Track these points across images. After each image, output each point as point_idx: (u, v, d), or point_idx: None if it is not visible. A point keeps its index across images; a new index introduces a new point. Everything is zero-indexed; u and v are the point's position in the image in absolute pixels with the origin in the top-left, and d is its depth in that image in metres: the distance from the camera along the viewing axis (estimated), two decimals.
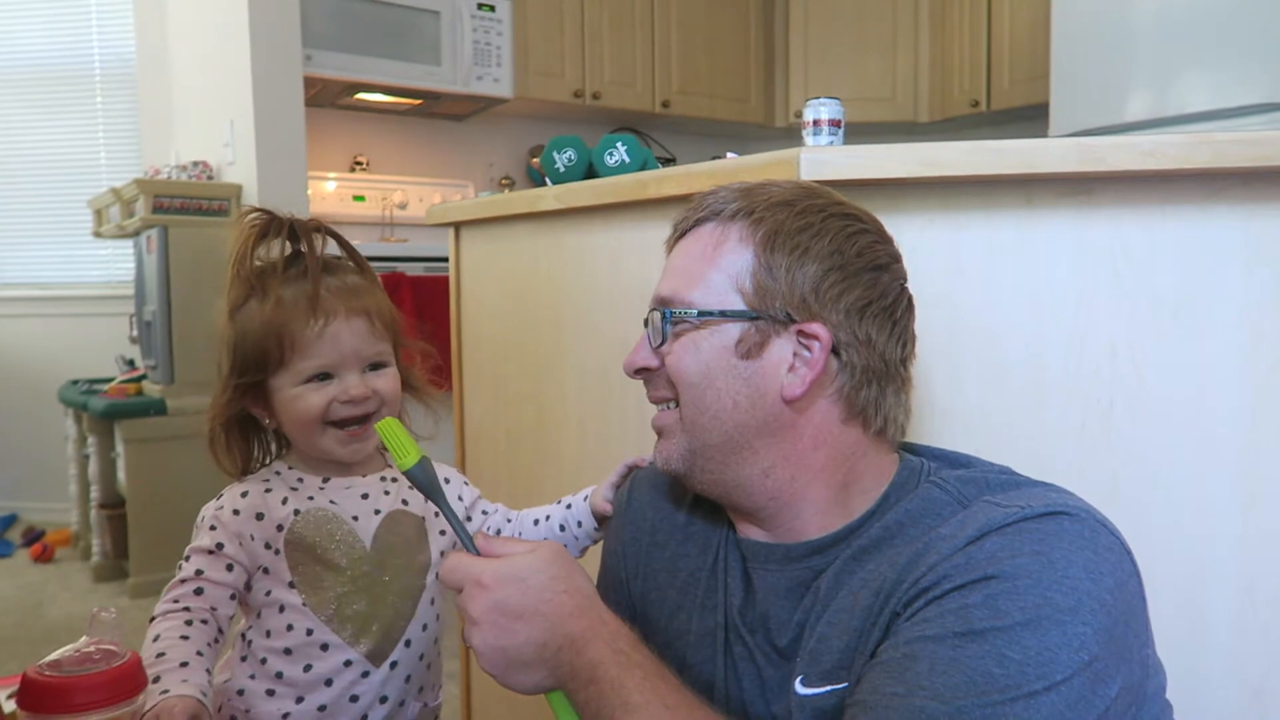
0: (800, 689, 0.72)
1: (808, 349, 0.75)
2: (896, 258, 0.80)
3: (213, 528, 0.91)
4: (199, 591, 0.88)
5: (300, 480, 0.96)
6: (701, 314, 0.77)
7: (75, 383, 3.32)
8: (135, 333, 3.25)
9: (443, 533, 1.02)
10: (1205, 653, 0.93)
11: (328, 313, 0.92)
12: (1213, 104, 2.42)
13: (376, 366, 0.96)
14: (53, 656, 0.66)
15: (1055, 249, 0.96)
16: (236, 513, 0.92)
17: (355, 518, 0.96)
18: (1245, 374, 0.92)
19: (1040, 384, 0.97)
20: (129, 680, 0.66)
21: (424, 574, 0.99)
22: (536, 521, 1.09)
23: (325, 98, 3.36)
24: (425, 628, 0.98)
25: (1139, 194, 0.94)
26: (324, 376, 0.92)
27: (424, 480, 0.82)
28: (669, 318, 0.79)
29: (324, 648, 0.92)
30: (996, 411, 0.98)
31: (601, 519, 1.04)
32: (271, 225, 0.95)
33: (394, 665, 0.95)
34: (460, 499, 1.07)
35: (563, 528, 1.07)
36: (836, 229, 0.77)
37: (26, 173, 3.86)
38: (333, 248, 0.99)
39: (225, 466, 0.97)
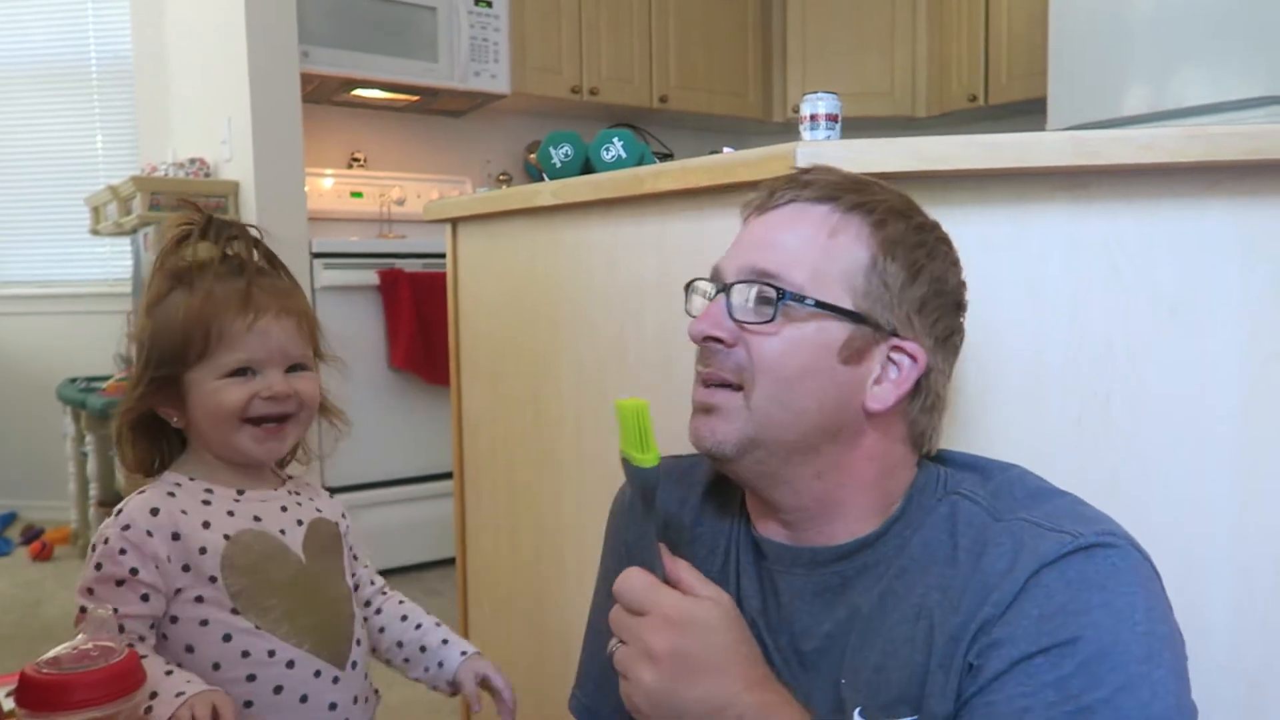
0: None
1: (896, 365, 0.74)
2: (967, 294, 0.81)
3: (123, 550, 0.86)
4: (120, 629, 0.83)
5: (210, 492, 0.93)
6: (820, 304, 0.72)
7: (73, 380, 3.31)
8: (132, 330, 3.25)
9: (356, 557, 1.03)
10: (1203, 646, 0.93)
11: (259, 308, 0.91)
12: (1210, 98, 2.42)
13: (298, 368, 0.95)
14: (51, 654, 0.66)
15: (1051, 244, 0.96)
16: (150, 534, 0.86)
17: (283, 531, 0.95)
18: (1243, 368, 0.92)
19: (1037, 379, 0.97)
20: (127, 677, 0.66)
21: (345, 577, 1.00)
22: (405, 618, 1.07)
23: (322, 94, 3.35)
24: (364, 622, 1.00)
25: (1135, 188, 0.94)
26: (245, 372, 0.91)
27: (653, 485, 0.73)
28: (785, 296, 0.72)
29: (290, 664, 0.90)
30: (993, 407, 0.98)
31: (455, 686, 1.03)
32: (206, 226, 0.95)
33: (354, 665, 0.96)
34: (344, 518, 1.04)
35: (423, 649, 1.05)
36: (943, 254, 0.77)
37: (24, 170, 3.85)
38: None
39: (131, 468, 0.96)
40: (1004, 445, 0.94)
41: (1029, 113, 3.36)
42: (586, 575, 1.05)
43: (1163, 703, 0.63)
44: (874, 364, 0.74)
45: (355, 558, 1.05)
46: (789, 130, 4.21)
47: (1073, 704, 0.62)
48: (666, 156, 4.13)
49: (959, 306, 0.79)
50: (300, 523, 0.97)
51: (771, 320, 0.73)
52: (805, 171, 0.79)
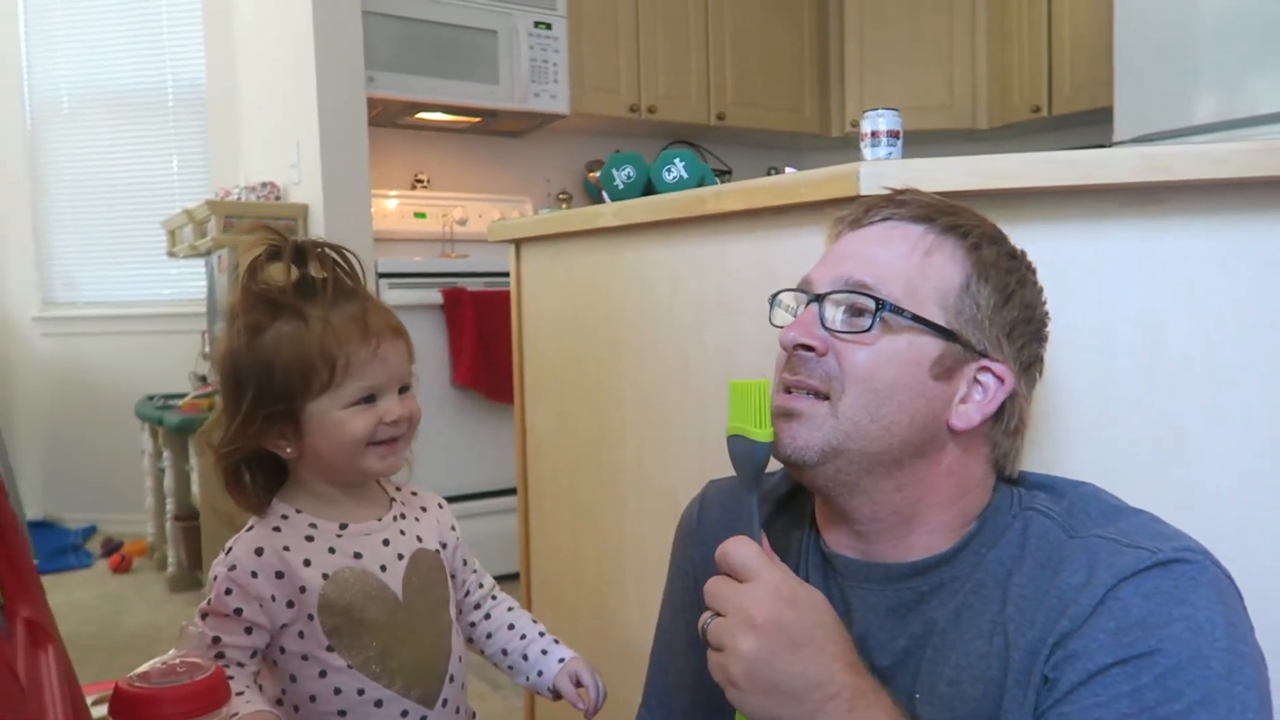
0: None
1: (982, 386, 0.75)
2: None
3: (229, 591, 0.88)
4: (219, 656, 0.86)
5: (314, 527, 0.92)
6: (916, 318, 0.73)
7: (151, 398, 3.42)
8: (208, 349, 3.35)
9: (453, 576, 1.02)
10: None
11: (378, 334, 0.90)
12: None
13: (405, 388, 0.95)
14: (141, 669, 0.68)
15: (1122, 261, 0.94)
16: (255, 574, 0.88)
17: (383, 567, 0.93)
18: None
19: (1110, 400, 0.95)
20: (212, 693, 0.68)
21: (447, 607, 0.99)
22: (512, 626, 1.07)
23: (387, 117, 3.43)
24: (460, 659, 0.99)
25: (1210, 203, 0.92)
26: (368, 399, 0.90)
27: (762, 462, 0.73)
28: (885, 307, 0.73)
29: (378, 704, 0.91)
30: (1064, 428, 0.96)
31: (556, 693, 1.04)
32: (284, 247, 0.92)
33: (445, 703, 0.96)
34: (444, 546, 1.03)
35: (525, 658, 1.05)
36: (1031, 282, 0.79)
37: (104, 195, 4.00)
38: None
39: (245, 506, 0.93)
40: (1075, 466, 0.92)
41: (1094, 123, 3.30)
42: (648, 594, 1.05)
43: (1241, 718, 0.62)
44: (961, 383, 0.75)
45: (465, 563, 1.06)
46: (847, 145, 4.19)
47: (1148, 715, 0.62)
48: (724, 173, 4.14)
49: (1042, 337, 0.80)
50: (401, 557, 0.95)
51: (868, 330, 0.73)
52: (900, 192, 0.80)
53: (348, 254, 0.96)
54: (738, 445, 0.75)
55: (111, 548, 3.57)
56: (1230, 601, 0.66)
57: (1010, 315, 0.76)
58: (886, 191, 0.82)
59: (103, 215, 4.01)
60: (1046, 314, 0.80)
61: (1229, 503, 0.92)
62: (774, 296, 0.85)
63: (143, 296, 4.00)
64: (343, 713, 0.90)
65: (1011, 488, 0.79)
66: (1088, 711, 0.64)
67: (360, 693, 0.90)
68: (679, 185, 1.47)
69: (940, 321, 0.74)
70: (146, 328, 3.91)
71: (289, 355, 0.88)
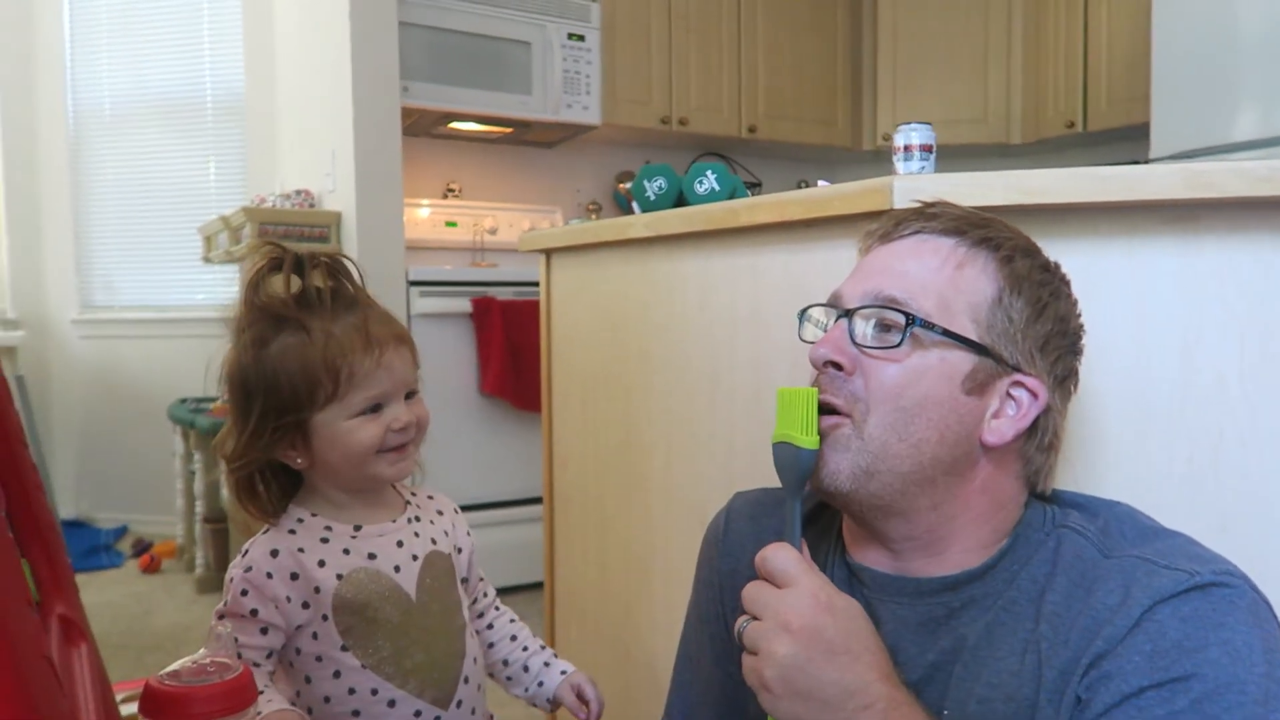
0: None
1: (1015, 400, 0.74)
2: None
3: (244, 592, 0.89)
4: (239, 655, 0.86)
5: (329, 529, 0.93)
6: (947, 333, 0.72)
7: (184, 401, 3.47)
8: None
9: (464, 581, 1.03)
10: None
11: (380, 343, 0.91)
12: None
13: (411, 394, 0.95)
14: (172, 668, 0.69)
15: (1160, 278, 0.93)
16: (270, 575, 0.89)
17: (397, 568, 0.94)
18: None
19: (1145, 417, 0.94)
20: (241, 692, 0.69)
21: (460, 609, 0.99)
22: (514, 638, 1.09)
23: (420, 127, 3.46)
24: (475, 660, 0.99)
25: (1250, 220, 0.91)
26: (375, 408, 0.91)
27: (807, 469, 0.73)
28: (916, 323, 0.72)
29: (391, 704, 0.91)
30: (1099, 445, 0.95)
31: (555, 703, 1.06)
32: (283, 260, 0.92)
33: (459, 704, 0.96)
34: (458, 550, 1.04)
35: (526, 669, 1.07)
36: (1066, 295, 0.78)
37: (143, 201, 4.07)
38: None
39: (259, 515, 0.94)
40: (1110, 485, 0.91)
41: (1130, 139, 3.26)
42: (674, 604, 1.05)
43: None
44: (994, 398, 0.74)
45: (466, 579, 1.06)
46: (879, 158, 4.17)
47: None
48: (755, 186, 4.14)
49: (1077, 350, 0.79)
50: (415, 558, 0.96)
51: (898, 346, 0.72)
52: (930, 205, 0.80)
53: (348, 263, 0.96)
54: (783, 452, 0.74)
55: (142, 548, 3.61)
56: (1268, 627, 0.65)
57: (1044, 329, 0.75)
58: (917, 205, 0.81)
59: (141, 220, 4.08)
60: (1081, 327, 0.79)
61: (1265, 522, 0.90)
62: (803, 312, 0.84)
63: (178, 301, 4.05)
64: (356, 713, 0.91)
65: (1045, 505, 0.78)
66: None
67: (374, 693, 0.91)
68: (711, 197, 1.47)
69: (973, 336, 0.73)
70: (181, 332, 3.96)
71: (293, 368, 0.89)
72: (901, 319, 0.72)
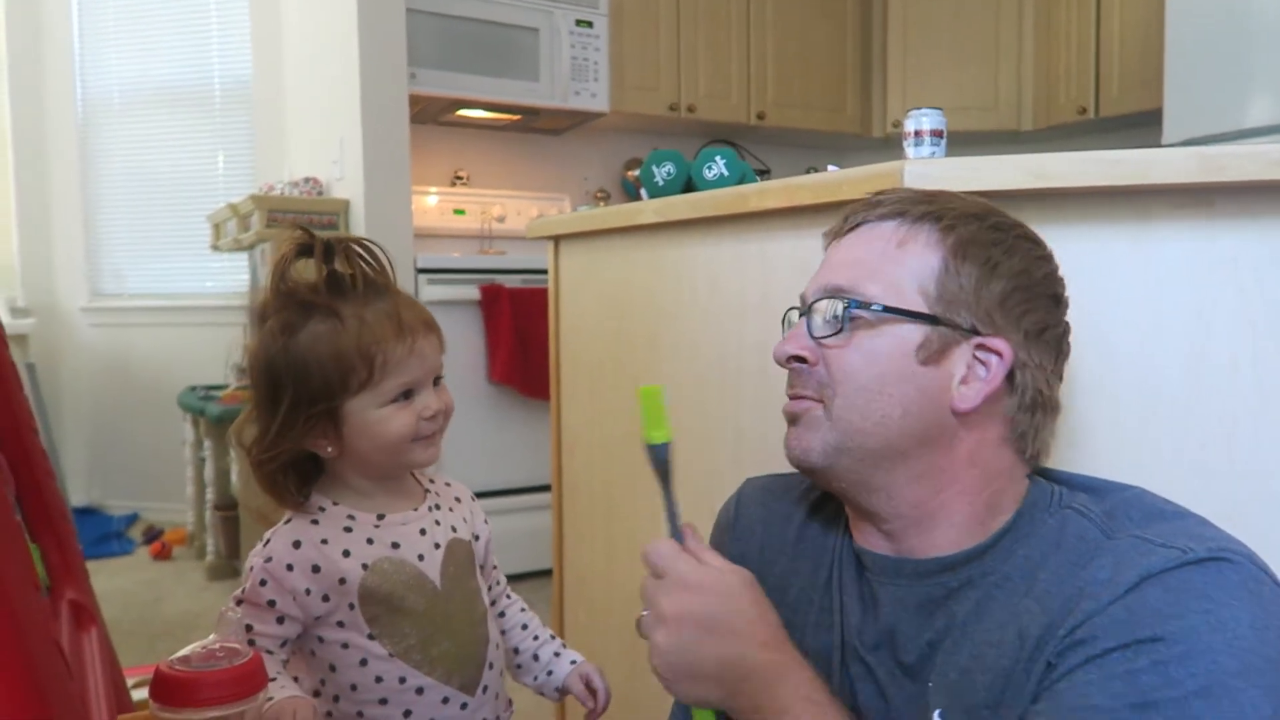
0: None
1: (984, 364, 0.74)
2: (1065, 290, 0.79)
3: (263, 582, 0.88)
4: (250, 643, 0.86)
5: (352, 519, 0.93)
6: (888, 309, 0.74)
7: (194, 389, 3.48)
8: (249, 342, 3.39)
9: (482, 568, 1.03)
10: None
11: (412, 329, 0.90)
12: None
13: (438, 379, 0.95)
14: (182, 653, 0.69)
15: (1173, 262, 0.92)
16: (290, 568, 0.88)
17: (421, 557, 0.94)
18: None
19: (1157, 404, 0.93)
20: (251, 678, 0.69)
21: (481, 595, 0.99)
22: (525, 626, 1.09)
23: (428, 115, 3.45)
24: (497, 646, 0.99)
25: (1263, 204, 0.90)
26: (406, 394, 0.90)
27: (664, 461, 0.79)
28: (852, 307, 0.75)
29: (419, 691, 0.91)
30: (1110, 432, 0.94)
31: (563, 692, 1.06)
32: (313, 245, 0.91)
33: (485, 689, 0.96)
34: (476, 538, 1.04)
35: (536, 658, 1.07)
36: (1024, 250, 0.77)
37: (151, 189, 4.08)
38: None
39: (290, 506, 0.92)
40: (1121, 472, 0.90)
41: (1142, 125, 3.24)
42: None
43: None
44: (958, 364, 0.74)
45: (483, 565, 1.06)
46: (889, 145, 4.15)
47: (1137, 696, 0.59)
48: (764, 173, 4.12)
49: (1053, 300, 0.77)
50: (438, 546, 0.96)
51: (841, 332, 0.75)
52: (879, 193, 0.81)
53: (376, 249, 0.94)
54: (647, 450, 0.79)
55: (152, 535, 3.63)
56: (1268, 604, 0.62)
57: (999, 287, 0.74)
58: (866, 197, 0.83)
59: (150, 208, 4.09)
60: (1052, 277, 0.78)
61: (1278, 509, 0.90)
62: (784, 318, 0.87)
63: (187, 289, 4.07)
64: (384, 700, 0.91)
65: (1053, 485, 0.77)
66: (1078, 688, 0.62)
67: (402, 681, 0.91)
68: (720, 183, 1.46)
69: (922, 308, 0.74)
70: (191, 320, 3.98)
71: (325, 354, 0.87)
72: (842, 305, 0.75)
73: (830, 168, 1.23)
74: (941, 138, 1.57)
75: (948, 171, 0.93)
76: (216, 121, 4.06)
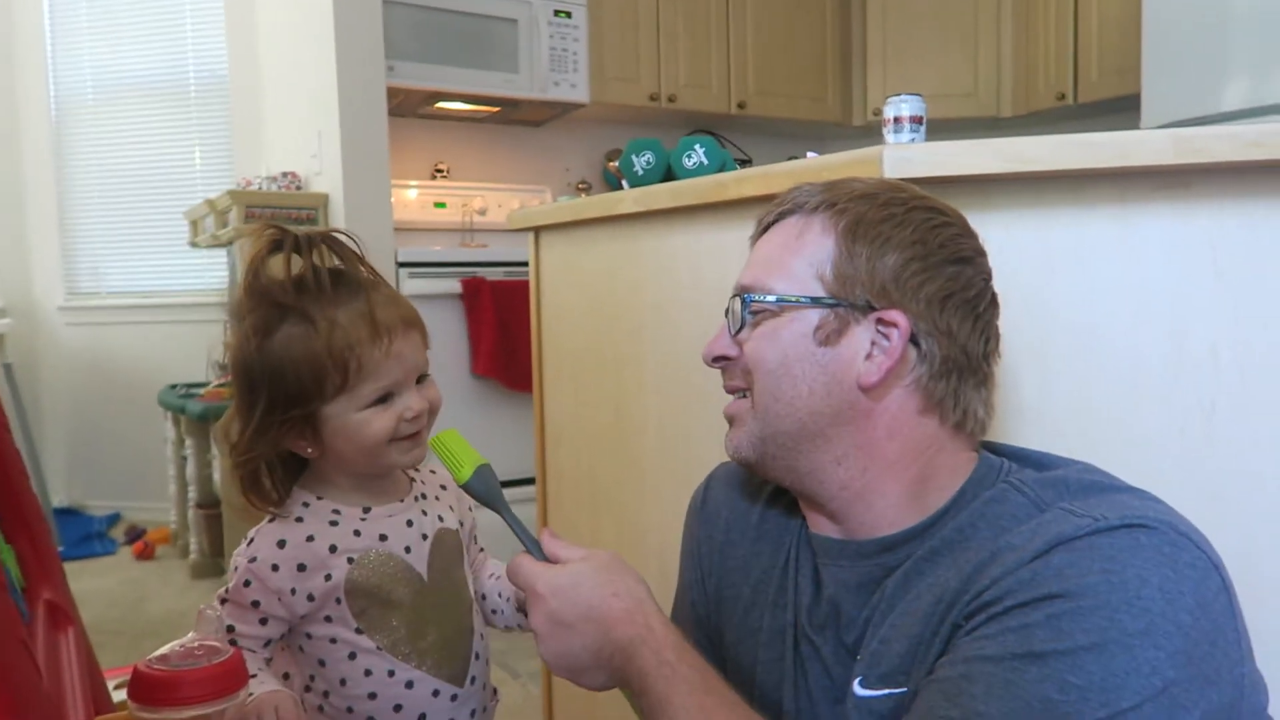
0: (858, 690, 0.72)
1: (886, 337, 0.75)
2: (980, 252, 0.79)
3: (247, 583, 0.87)
4: (232, 643, 0.84)
5: (337, 513, 0.91)
6: (780, 300, 0.78)
7: (174, 387, 3.45)
8: (229, 339, 3.36)
9: (487, 547, 1.02)
10: None
11: (389, 330, 0.87)
12: None
13: (422, 377, 0.92)
14: (161, 651, 0.68)
15: (1151, 245, 0.93)
16: (275, 568, 0.87)
17: (407, 549, 0.92)
18: None
19: (1136, 386, 0.93)
20: (231, 676, 0.68)
21: (467, 586, 0.99)
22: (494, 575, 1.05)
23: (407, 107, 3.43)
24: (482, 636, 0.99)
25: (1241, 186, 0.90)
26: (385, 397, 0.88)
27: (483, 492, 0.84)
28: (748, 303, 0.80)
29: (409, 685, 0.91)
30: (1089, 414, 0.95)
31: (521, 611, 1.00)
32: (284, 240, 0.88)
33: (473, 680, 0.96)
34: (462, 524, 1.02)
35: (508, 599, 1.03)
36: (919, 220, 0.77)
37: (127, 186, 4.04)
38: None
39: (267, 505, 0.90)
40: (1100, 454, 0.91)
41: (1120, 110, 3.25)
42: (668, 580, 1.05)
43: (1142, 681, 0.57)
44: (861, 341, 0.76)
45: (475, 540, 1.05)
46: (869, 134, 4.16)
47: (1024, 648, 0.59)
48: (745, 163, 4.12)
49: (957, 263, 0.76)
50: (425, 537, 0.95)
51: (744, 326, 0.80)
52: (784, 193, 0.83)
53: (351, 243, 0.91)
54: (466, 488, 0.85)
55: (135, 535, 3.61)
56: (1184, 570, 0.60)
57: (892, 260, 0.75)
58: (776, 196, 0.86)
59: (127, 205, 4.05)
60: (949, 242, 0.77)
61: (1257, 493, 0.90)
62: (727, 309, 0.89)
63: (166, 286, 4.03)
64: (373, 695, 0.90)
65: (1001, 460, 0.77)
66: (975, 644, 0.62)
67: (390, 674, 0.90)
68: (699, 171, 1.46)
69: (819, 293, 0.76)
70: (169, 317, 3.94)
71: (299, 359, 0.85)
72: (741, 302, 0.81)
73: (810, 154, 1.23)
74: (921, 124, 1.57)
75: (926, 156, 0.93)
76: (193, 116, 4.02)
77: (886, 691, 0.70)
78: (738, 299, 0.81)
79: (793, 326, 0.77)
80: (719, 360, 0.84)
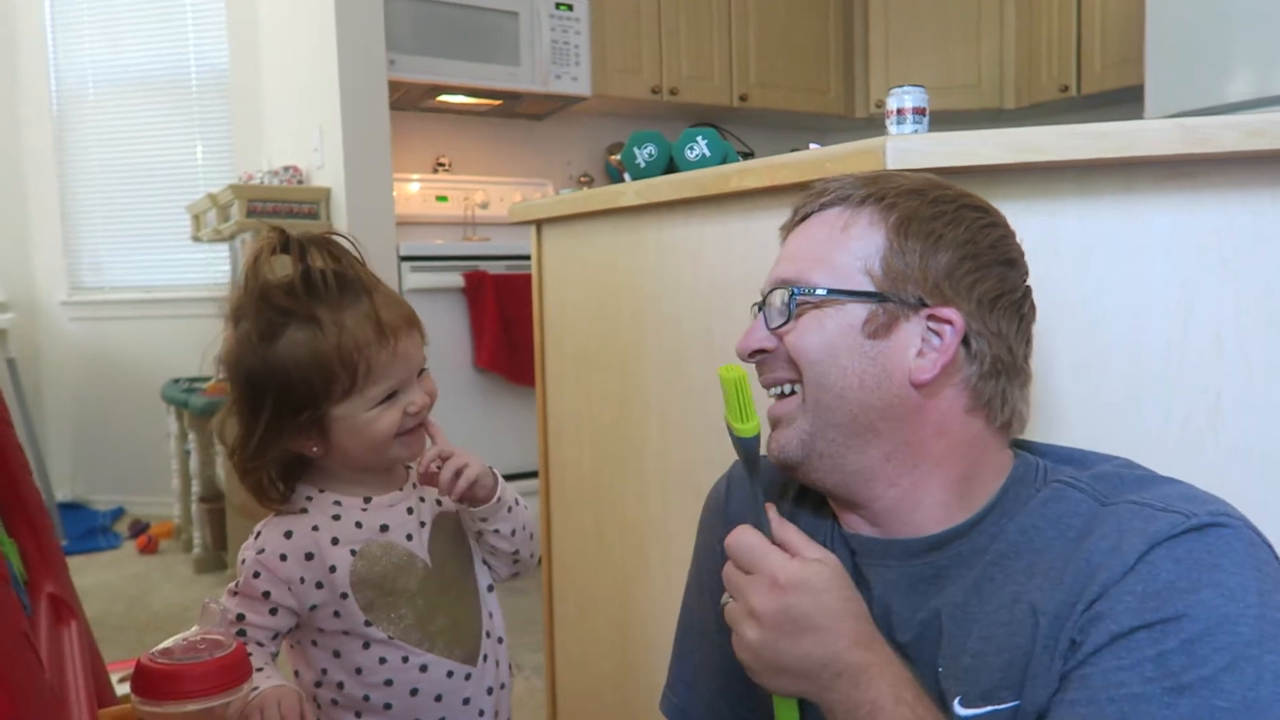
0: (960, 709, 0.70)
1: (938, 334, 0.74)
2: (1022, 254, 0.79)
3: (256, 574, 0.88)
4: (241, 634, 0.86)
5: (339, 504, 0.92)
6: (831, 291, 0.76)
7: (177, 381, 3.45)
8: None
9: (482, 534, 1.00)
10: None
11: (394, 331, 0.88)
12: None
13: (420, 373, 0.94)
14: (164, 645, 0.68)
15: (1157, 235, 0.92)
16: (284, 557, 0.88)
17: (409, 536, 0.94)
18: None
19: (1141, 377, 0.93)
20: (234, 669, 0.68)
21: (473, 565, 0.99)
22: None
23: (408, 101, 3.42)
24: (491, 615, 1.00)
25: (1247, 176, 0.89)
26: (391, 394, 0.90)
27: (753, 456, 0.76)
28: (796, 295, 0.77)
29: (423, 669, 0.92)
30: (1094, 405, 0.94)
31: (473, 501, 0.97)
32: (285, 242, 0.89)
33: (485, 658, 0.97)
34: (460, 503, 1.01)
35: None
36: (970, 219, 0.77)
37: (129, 180, 4.03)
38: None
39: (270, 506, 0.92)
40: (1107, 446, 0.90)
41: (1124, 101, 3.24)
42: (672, 573, 1.05)
43: (1270, 688, 0.60)
44: (911, 337, 0.75)
45: None
46: (872, 126, 4.14)
47: (1171, 680, 0.60)
48: (747, 155, 4.10)
49: (1005, 264, 0.77)
50: (424, 524, 0.96)
51: (789, 320, 0.78)
52: (820, 182, 0.82)
53: (351, 244, 0.93)
54: (730, 436, 0.77)
55: (139, 529, 3.61)
56: (1266, 569, 0.64)
57: (945, 258, 0.75)
58: (812, 184, 0.84)
59: (129, 200, 4.05)
60: (999, 243, 0.78)
61: (1263, 483, 0.90)
62: (752, 311, 0.87)
63: (168, 281, 4.03)
64: (389, 681, 0.91)
65: (1037, 459, 0.78)
66: (1110, 674, 0.63)
67: (405, 660, 0.92)
68: (701, 163, 1.45)
69: (869, 287, 0.75)
70: (172, 312, 3.94)
71: (307, 363, 0.86)
72: (788, 294, 0.78)
73: (812, 145, 1.22)
74: (924, 115, 1.56)
75: (931, 147, 0.93)
76: (194, 111, 4.01)
77: (991, 709, 0.69)
78: (781, 291, 0.79)
79: (839, 318, 0.76)
80: (757, 354, 0.81)
